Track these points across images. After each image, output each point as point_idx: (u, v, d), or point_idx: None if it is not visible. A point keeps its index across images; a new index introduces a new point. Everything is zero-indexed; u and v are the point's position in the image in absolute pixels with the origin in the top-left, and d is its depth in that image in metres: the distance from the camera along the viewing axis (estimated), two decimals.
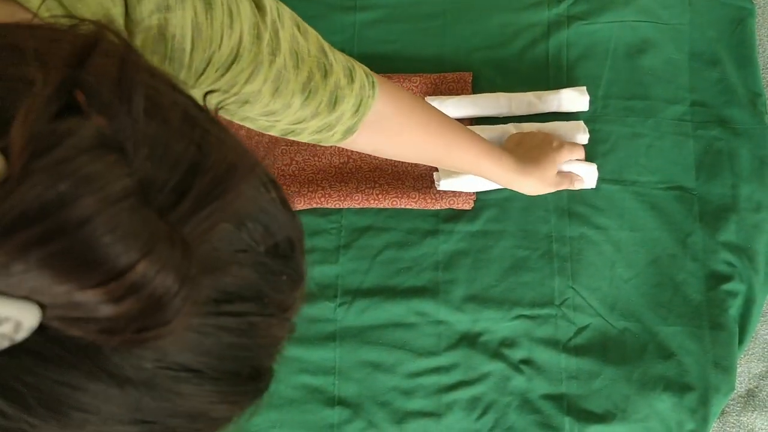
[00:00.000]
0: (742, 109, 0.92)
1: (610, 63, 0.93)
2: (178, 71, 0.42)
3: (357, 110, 0.57)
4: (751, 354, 0.88)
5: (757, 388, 0.87)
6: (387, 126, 0.62)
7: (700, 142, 0.91)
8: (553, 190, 0.83)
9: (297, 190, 0.87)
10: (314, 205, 0.87)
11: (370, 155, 0.90)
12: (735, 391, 0.85)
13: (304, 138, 0.57)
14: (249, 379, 0.29)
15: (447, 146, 0.71)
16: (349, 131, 0.59)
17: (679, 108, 0.92)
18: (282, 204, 0.30)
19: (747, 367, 0.88)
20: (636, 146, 0.90)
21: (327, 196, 0.86)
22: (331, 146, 0.90)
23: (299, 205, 0.86)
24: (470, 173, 0.80)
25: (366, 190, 0.87)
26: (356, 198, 0.87)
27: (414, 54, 0.95)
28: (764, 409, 0.86)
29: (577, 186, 0.86)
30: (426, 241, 0.88)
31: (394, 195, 0.87)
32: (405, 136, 0.66)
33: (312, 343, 0.85)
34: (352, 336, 0.85)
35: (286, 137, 0.57)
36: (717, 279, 0.86)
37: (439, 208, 0.88)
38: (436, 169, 0.88)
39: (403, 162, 0.90)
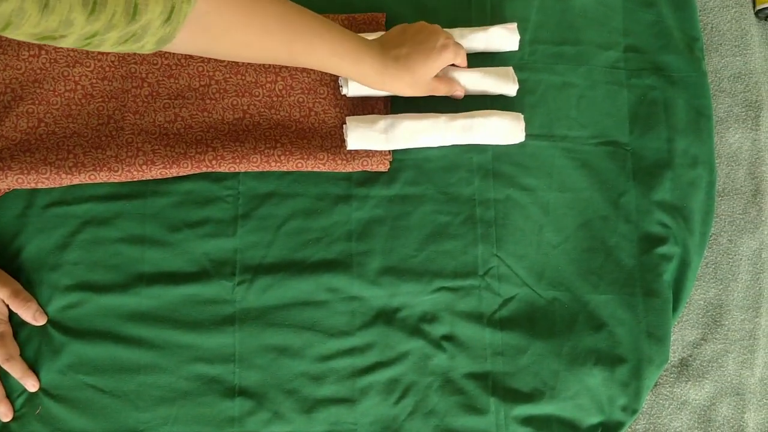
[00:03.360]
0: (678, 55, 0.92)
1: (539, 3, 0.92)
2: None
3: (169, 19, 0.55)
4: (685, 321, 0.90)
5: (690, 356, 0.89)
6: (209, 25, 0.60)
7: (634, 91, 0.91)
8: (425, 94, 0.83)
9: (183, 151, 0.81)
10: (205, 170, 0.81)
11: (268, 110, 0.85)
12: (668, 362, 0.86)
13: (106, 49, 0.55)
14: None
15: (289, 45, 0.69)
16: (163, 41, 0.57)
17: (612, 54, 0.91)
18: None
19: (680, 334, 0.89)
20: (566, 97, 0.89)
21: (220, 158, 0.81)
22: (223, 101, 0.84)
23: (186, 169, 0.81)
24: (327, 71, 0.78)
25: (266, 151, 0.82)
26: (254, 160, 0.82)
27: None
28: (698, 379, 0.88)
29: (457, 95, 0.86)
30: (337, 208, 0.85)
31: (299, 156, 0.83)
32: (234, 36, 0.63)
33: (207, 327, 0.81)
34: (253, 318, 0.82)
35: (85, 49, 0.54)
36: (651, 241, 0.87)
37: (351, 170, 0.85)
38: (344, 122, 0.84)
39: (308, 117, 0.86)
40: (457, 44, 0.83)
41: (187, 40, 0.59)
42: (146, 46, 0.56)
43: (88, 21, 0.49)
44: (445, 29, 0.84)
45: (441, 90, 0.83)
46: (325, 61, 0.73)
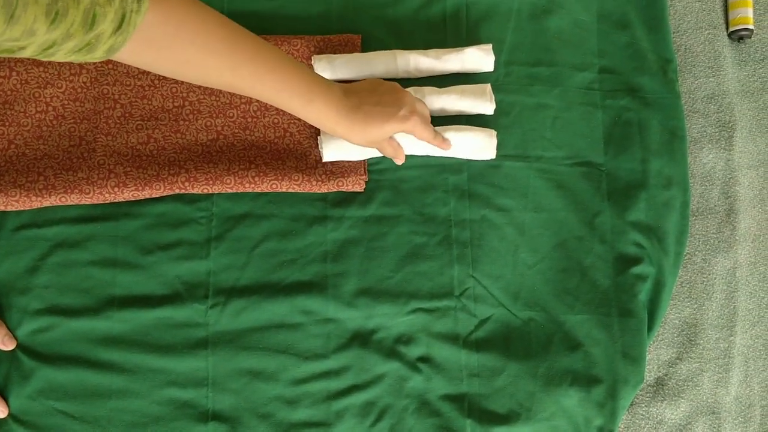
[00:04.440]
0: (652, 77, 0.94)
1: (514, 24, 0.93)
2: None
3: (119, 28, 0.56)
4: (661, 340, 0.92)
5: (666, 376, 0.91)
6: (153, 38, 0.60)
7: (609, 112, 0.93)
8: (370, 147, 0.82)
9: (156, 173, 0.82)
10: (178, 191, 0.82)
11: (243, 131, 0.86)
12: (644, 382, 0.88)
13: (59, 58, 0.56)
14: None
15: (233, 70, 0.67)
16: (112, 50, 0.57)
17: (587, 75, 0.93)
18: None
19: (656, 354, 0.91)
20: (541, 118, 0.91)
21: (193, 179, 0.82)
22: (197, 122, 0.86)
23: (159, 191, 0.82)
24: (278, 106, 0.75)
25: (240, 172, 0.83)
26: (228, 181, 0.83)
27: (296, 12, 0.92)
28: (674, 398, 0.90)
29: (397, 162, 0.85)
30: (312, 230, 0.86)
31: (273, 177, 0.84)
32: (176, 51, 0.63)
33: (179, 351, 0.82)
34: (226, 341, 0.82)
35: (38, 58, 0.55)
36: (626, 262, 0.89)
37: (326, 191, 0.86)
38: (319, 134, 0.85)
39: (283, 138, 0.87)
40: (422, 118, 0.80)
41: (132, 51, 0.59)
42: (96, 54, 0.57)
43: (48, 30, 0.51)
44: (418, 99, 0.82)
45: (386, 151, 0.83)
46: (272, 94, 0.72)
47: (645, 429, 0.89)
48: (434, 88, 0.88)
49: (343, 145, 0.84)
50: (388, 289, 0.85)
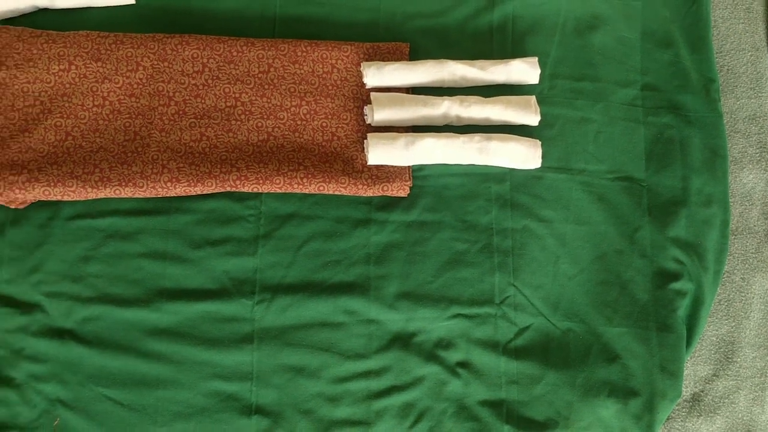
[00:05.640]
0: (694, 96, 0.97)
1: (559, 39, 0.96)
2: None
3: None
4: (698, 356, 0.94)
5: (702, 392, 0.93)
6: None
7: (651, 129, 0.95)
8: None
9: (208, 170, 0.85)
10: (228, 189, 0.86)
11: (292, 133, 0.89)
12: (681, 397, 0.90)
13: None
14: None
15: None
16: None
17: (630, 91, 0.96)
18: None
19: (693, 369, 0.93)
20: (584, 132, 0.94)
21: (243, 178, 0.85)
22: (248, 122, 0.89)
23: (210, 187, 0.85)
24: None
25: (289, 173, 0.86)
26: (277, 181, 0.86)
27: (344, 19, 0.95)
28: (710, 414, 0.92)
29: None
30: (357, 232, 0.88)
31: (321, 179, 0.87)
32: None
33: (226, 345, 0.84)
34: (271, 337, 0.85)
35: None
36: (665, 277, 0.91)
37: (372, 194, 0.89)
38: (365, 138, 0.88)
39: (331, 142, 0.90)
40: None
41: None
42: None
43: None
44: None
45: None
46: None
47: None
48: (480, 97, 0.91)
49: (389, 150, 0.87)
50: (429, 294, 0.88)
